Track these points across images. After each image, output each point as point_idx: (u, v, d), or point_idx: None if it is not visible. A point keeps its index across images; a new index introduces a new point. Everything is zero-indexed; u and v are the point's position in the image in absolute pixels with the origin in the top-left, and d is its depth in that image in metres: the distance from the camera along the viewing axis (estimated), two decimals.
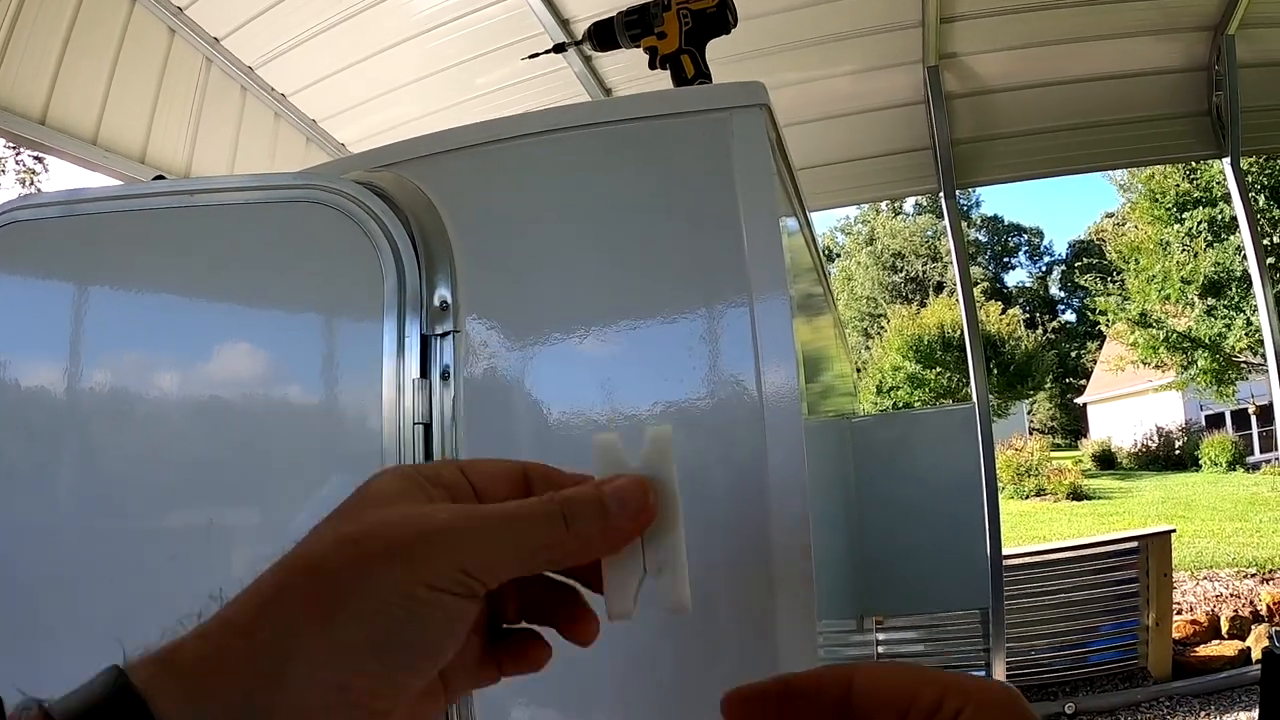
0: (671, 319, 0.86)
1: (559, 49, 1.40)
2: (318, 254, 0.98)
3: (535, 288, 0.91)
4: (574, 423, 0.86)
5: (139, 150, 3.37)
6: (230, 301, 1.00)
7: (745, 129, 0.92)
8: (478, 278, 0.93)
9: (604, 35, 1.26)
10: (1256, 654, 4.40)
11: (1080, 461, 17.42)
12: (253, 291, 1.00)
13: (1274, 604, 4.86)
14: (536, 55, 1.33)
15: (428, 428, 0.89)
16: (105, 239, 1.02)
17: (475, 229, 0.95)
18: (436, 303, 0.92)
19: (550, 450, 0.87)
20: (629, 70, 4.51)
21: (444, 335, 0.92)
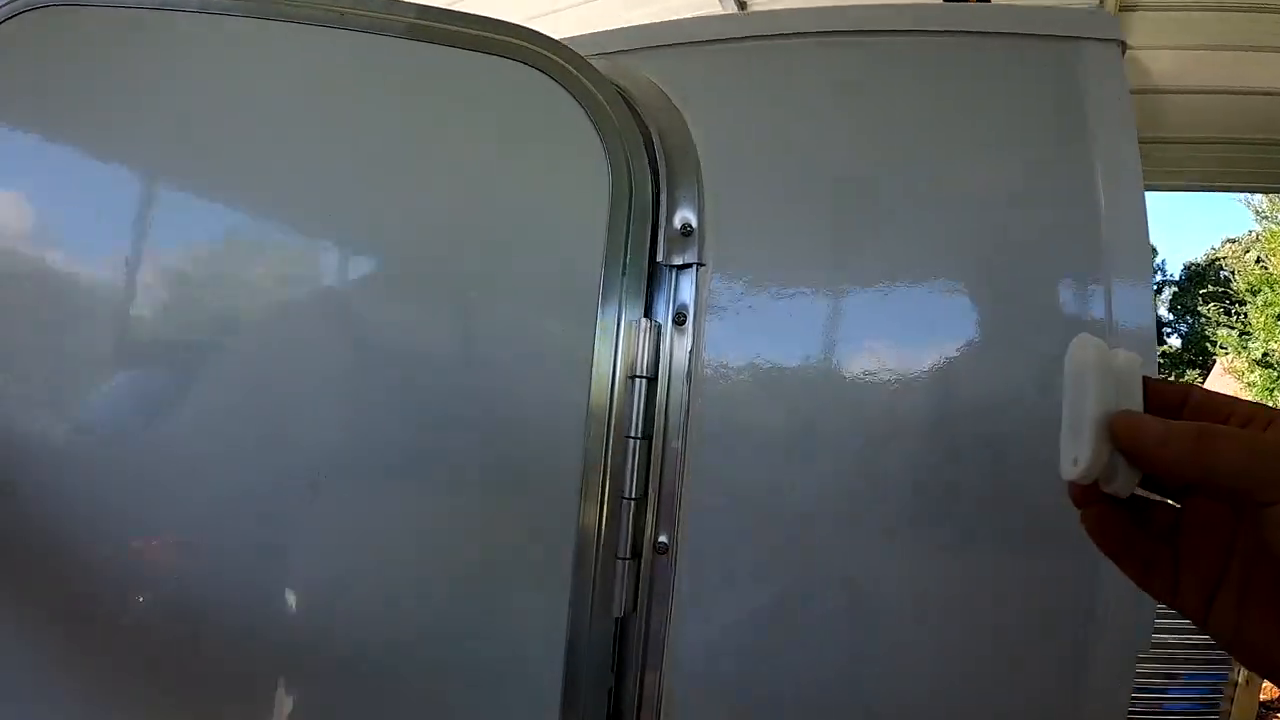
0: (990, 284, 0.64)
1: None
2: (517, 130, 0.75)
3: (810, 223, 0.69)
4: (842, 397, 0.65)
5: None
6: (380, 166, 0.74)
7: (1101, 65, 0.69)
8: (730, 201, 0.72)
9: None
10: None
11: None
12: (417, 159, 0.76)
13: None
14: None
15: (651, 383, 0.70)
16: (195, 47, 0.75)
17: (728, 141, 0.74)
18: (677, 225, 0.72)
19: (811, 428, 0.67)
20: None
21: (683, 268, 0.71)
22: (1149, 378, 0.39)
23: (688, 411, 0.68)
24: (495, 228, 0.76)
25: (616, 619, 0.70)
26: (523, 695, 0.69)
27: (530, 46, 0.73)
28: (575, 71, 0.72)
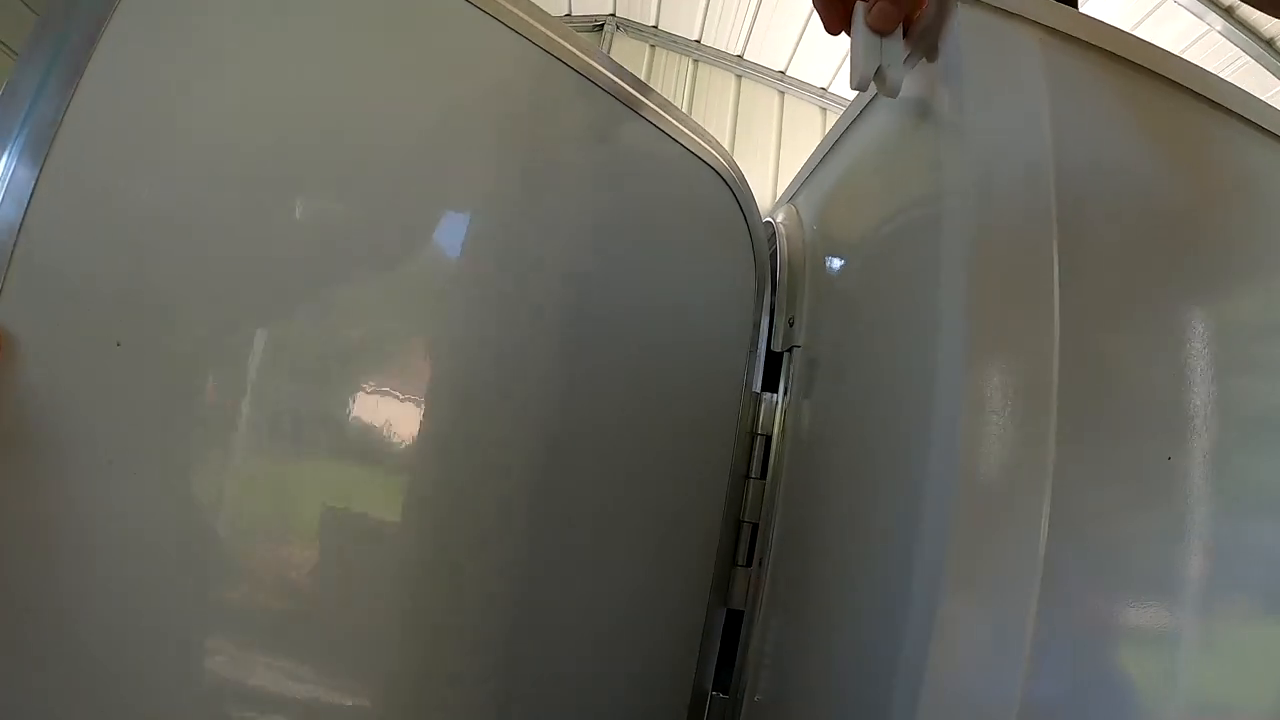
0: None
1: None
2: (699, 228, 0.95)
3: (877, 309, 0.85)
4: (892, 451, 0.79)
5: None
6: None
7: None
8: (822, 295, 0.92)
9: None
10: None
11: None
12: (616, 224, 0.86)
13: None
14: None
15: (768, 440, 0.93)
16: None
17: (825, 245, 0.94)
18: (787, 317, 0.95)
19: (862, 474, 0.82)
20: None
21: (790, 350, 0.94)
22: None
23: (783, 465, 0.90)
24: (671, 316, 0.93)
25: (728, 610, 0.92)
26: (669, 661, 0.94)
27: (716, 154, 0.93)
28: (745, 190, 0.96)
